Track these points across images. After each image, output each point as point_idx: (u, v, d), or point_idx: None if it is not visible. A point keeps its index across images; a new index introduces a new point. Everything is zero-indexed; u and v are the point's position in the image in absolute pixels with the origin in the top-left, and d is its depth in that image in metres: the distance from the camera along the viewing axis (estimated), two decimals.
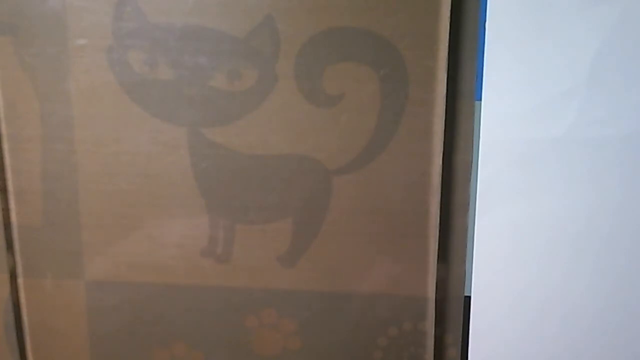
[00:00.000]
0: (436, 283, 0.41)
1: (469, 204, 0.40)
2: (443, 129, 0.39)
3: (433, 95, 0.38)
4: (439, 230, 0.40)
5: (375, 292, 0.42)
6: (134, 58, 0.39)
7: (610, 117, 0.37)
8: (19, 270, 0.44)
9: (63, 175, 0.42)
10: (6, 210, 0.43)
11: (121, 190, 0.42)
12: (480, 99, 0.38)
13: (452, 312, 0.42)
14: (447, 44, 0.37)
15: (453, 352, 0.42)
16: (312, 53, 0.38)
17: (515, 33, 0.37)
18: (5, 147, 0.42)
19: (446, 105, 0.38)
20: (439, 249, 0.40)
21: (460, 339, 0.42)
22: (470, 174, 0.40)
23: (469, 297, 0.41)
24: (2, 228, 0.43)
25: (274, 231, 0.41)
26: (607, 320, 0.40)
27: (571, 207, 0.39)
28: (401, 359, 0.42)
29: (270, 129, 0.40)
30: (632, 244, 0.39)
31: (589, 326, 0.40)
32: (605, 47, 0.37)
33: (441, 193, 0.40)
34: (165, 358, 0.45)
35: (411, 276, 0.41)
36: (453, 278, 0.41)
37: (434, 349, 0.42)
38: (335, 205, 0.40)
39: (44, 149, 0.42)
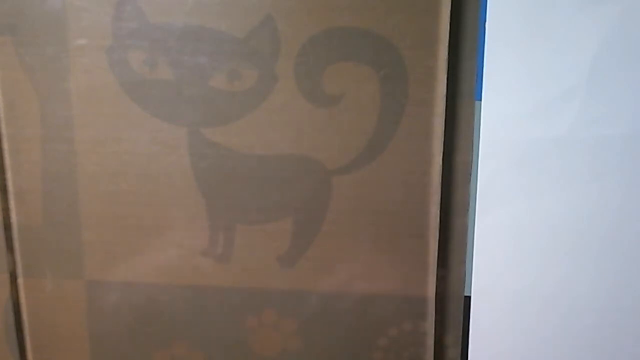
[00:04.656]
0: (436, 283, 0.41)
1: (469, 204, 0.40)
2: (443, 129, 0.39)
3: (433, 95, 0.38)
4: (439, 230, 0.40)
5: (375, 292, 0.42)
6: (134, 58, 0.39)
7: (610, 117, 0.37)
8: (19, 270, 0.44)
9: (63, 175, 0.42)
10: (6, 210, 0.43)
11: (121, 190, 0.42)
12: (480, 99, 0.38)
13: (452, 312, 0.42)
14: (447, 44, 0.37)
15: (453, 352, 0.42)
16: (312, 53, 0.38)
17: (515, 33, 0.37)
18: (5, 147, 0.42)
19: (446, 105, 0.38)
20: (439, 248, 0.40)
21: (460, 339, 0.42)
22: (470, 174, 0.40)
23: (469, 297, 0.41)
24: (2, 228, 0.43)
25: (274, 231, 0.41)
26: (607, 320, 0.40)
27: (571, 207, 0.39)
28: (401, 359, 0.42)
29: (270, 129, 0.40)
30: (632, 244, 0.39)
31: (589, 326, 0.40)
32: (605, 47, 0.37)
33: (441, 193, 0.40)
34: (165, 358, 0.45)
35: (411, 276, 0.41)
36: (453, 278, 0.41)
37: (434, 349, 0.42)
38: (335, 205, 0.40)
39: (44, 149, 0.42)
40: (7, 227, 0.43)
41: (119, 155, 0.41)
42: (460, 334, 0.42)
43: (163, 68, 0.39)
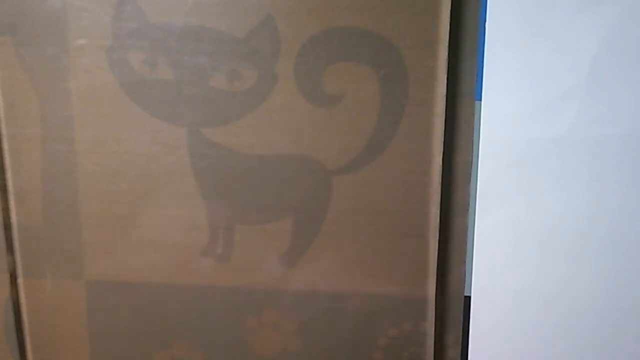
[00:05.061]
0: (436, 283, 0.41)
1: (469, 204, 0.40)
2: (443, 129, 0.39)
3: (433, 95, 0.38)
4: (439, 230, 0.40)
5: (375, 292, 0.42)
6: (134, 58, 0.39)
7: (610, 117, 0.37)
8: (19, 270, 0.44)
9: (63, 175, 0.42)
10: (6, 210, 0.43)
11: (121, 190, 0.42)
12: (480, 99, 0.38)
13: (452, 312, 0.42)
14: (447, 44, 0.37)
15: (453, 352, 0.42)
16: (312, 53, 0.38)
17: (515, 33, 0.37)
18: (5, 147, 0.42)
19: (446, 105, 0.38)
20: (439, 248, 0.40)
21: (460, 339, 0.42)
22: (470, 174, 0.40)
23: (469, 297, 0.41)
24: (2, 228, 0.43)
25: (274, 231, 0.41)
26: (607, 320, 0.40)
27: (571, 207, 0.39)
28: (401, 359, 0.42)
29: (270, 129, 0.40)
30: (632, 244, 0.39)
31: (589, 326, 0.40)
32: (605, 47, 0.37)
33: (441, 193, 0.40)
34: (165, 358, 0.45)
35: (411, 276, 0.41)
36: (453, 278, 0.41)
37: (434, 349, 0.42)
38: (335, 205, 0.40)
39: (44, 149, 0.42)
40: (7, 227, 0.43)
41: (119, 155, 0.41)
42: (460, 334, 0.42)
43: (163, 68, 0.39)
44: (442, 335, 0.42)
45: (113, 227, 0.42)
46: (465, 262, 0.41)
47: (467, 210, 0.40)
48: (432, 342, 0.42)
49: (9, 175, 0.42)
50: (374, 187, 0.40)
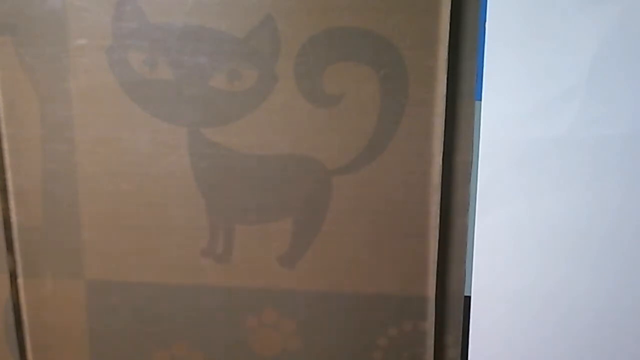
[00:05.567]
0: (436, 283, 0.41)
1: (469, 204, 0.40)
2: (443, 129, 0.39)
3: (433, 95, 0.38)
4: (439, 230, 0.40)
5: (375, 292, 0.42)
6: (134, 58, 0.39)
7: (610, 117, 0.37)
8: (19, 270, 0.44)
9: (63, 175, 0.42)
10: (6, 210, 0.43)
11: (121, 190, 0.42)
12: (480, 99, 0.38)
13: (452, 312, 0.42)
14: (447, 44, 0.37)
15: (453, 352, 0.42)
16: (312, 53, 0.38)
17: (515, 33, 0.37)
18: (5, 147, 0.42)
19: (446, 105, 0.38)
20: (439, 248, 0.40)
21: (460, 339, 0.42)
22: (470, 174, 0.40)
23: (469, 297, 0.41)
24: (2, 228, 0.43)
25: (274, 231, 0.41)
26: (607, 320, 0.40)
27: (571, 207, 0.39)
28: (401, 359, 0.42)
29: (270, 129, 0.40)
30: (632, 244, 0.39)
31: (589, 326, 0.40)
32: (605, 47, 0.37)
33: (441, 193, 0.40)
34: (165, 358, 0.44)
35: (411, 276, 0.41)
36: (453, 278, 0.41)
37: (434, 349, 0.42)
38: (335, 205, 0.40)
39: (44, 149, 0.42)
40: (7, 227, 0.43)
41: (119, 155, 0.41)
42: (460, 334, 0.42)
43: (163, 68, 0.39)
44: (442, 335, 0.42)
45: (113, 227, 0.42)
46: (465, 262, 0.41)
47: (467, 210, 0.40)
48: (432, 342, 0.42)
49: (9, 175, 0.42)
50: (374, 187, 0.40)
